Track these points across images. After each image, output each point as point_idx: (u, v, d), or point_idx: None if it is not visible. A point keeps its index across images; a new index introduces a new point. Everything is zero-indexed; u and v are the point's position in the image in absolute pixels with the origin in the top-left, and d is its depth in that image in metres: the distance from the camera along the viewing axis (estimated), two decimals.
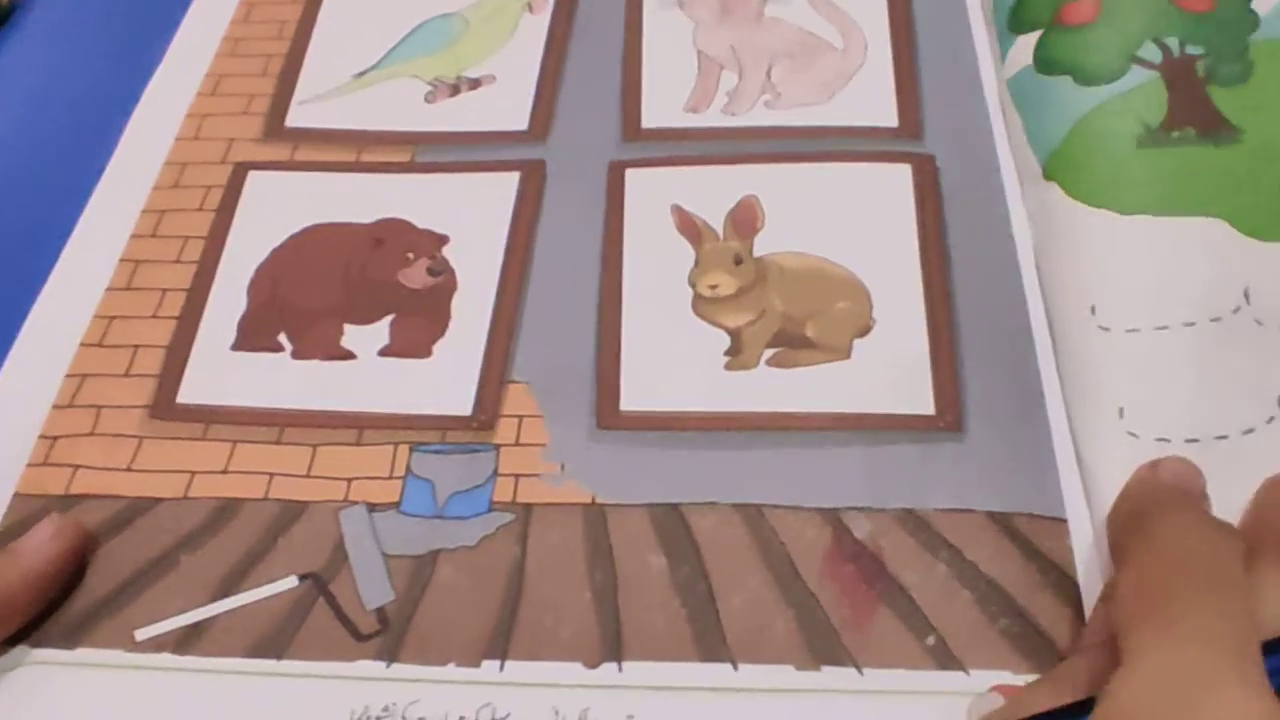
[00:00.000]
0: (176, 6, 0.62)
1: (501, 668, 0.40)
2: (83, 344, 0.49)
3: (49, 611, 0.42)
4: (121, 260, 0.52)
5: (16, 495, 0.45)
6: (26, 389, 0.48)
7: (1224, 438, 0.42)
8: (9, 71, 0.62)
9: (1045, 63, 0.52)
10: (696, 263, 0.49)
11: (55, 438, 0.46)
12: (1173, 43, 0.50)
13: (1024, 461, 0.43)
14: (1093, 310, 0.45)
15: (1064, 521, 0.42)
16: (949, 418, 0.44)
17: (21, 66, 0.62)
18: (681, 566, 0.42)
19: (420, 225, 0.52)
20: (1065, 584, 0.40)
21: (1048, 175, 0.49)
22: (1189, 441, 0.42)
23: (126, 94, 0.58)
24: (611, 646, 0.40)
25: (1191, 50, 0.50)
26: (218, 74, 0.59)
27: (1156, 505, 0.38)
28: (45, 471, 0.46)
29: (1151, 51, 0.50)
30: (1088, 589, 0.40)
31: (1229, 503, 0.39)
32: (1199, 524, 0.36)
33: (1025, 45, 0.53)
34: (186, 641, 0.41)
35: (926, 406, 0.45)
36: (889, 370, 0.46)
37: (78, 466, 0.46)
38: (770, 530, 0.42)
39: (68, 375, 0.48)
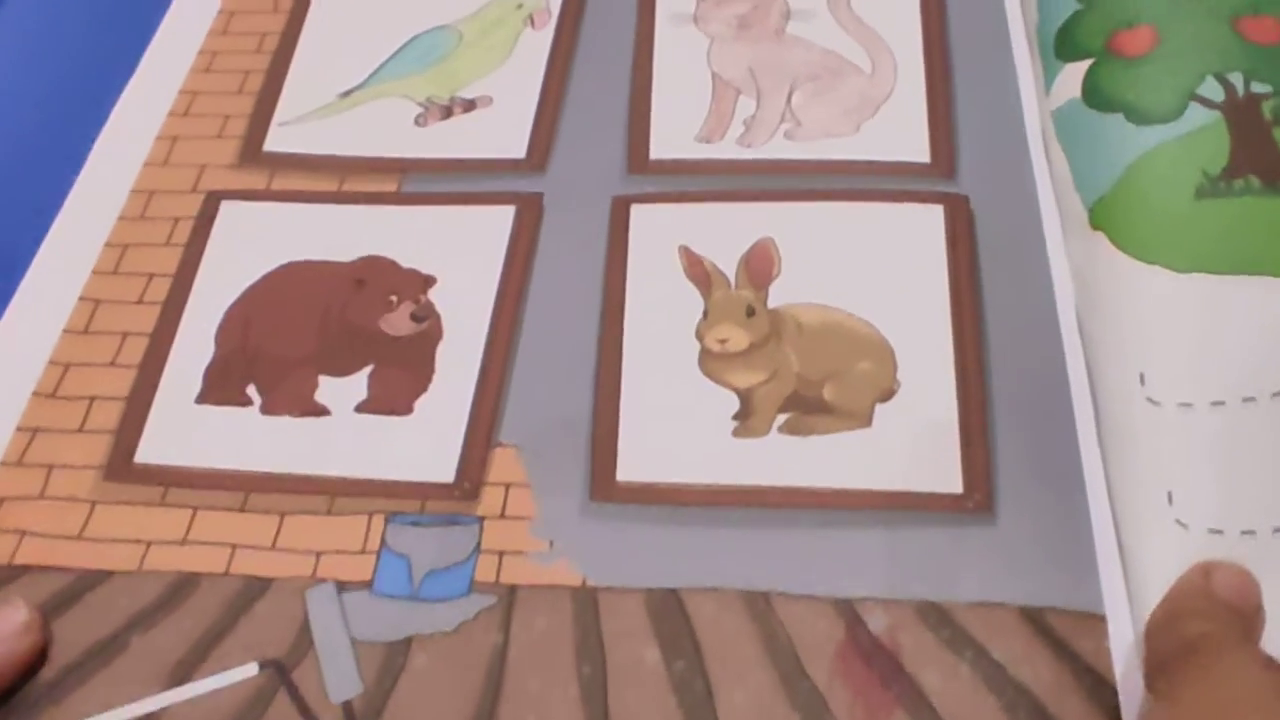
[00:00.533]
0: (151, 16, 0.59)
1: None
2: (35, 393, 0.46)
3: None
4: (80, 299, 0.49)
5: None
6: None
7: None
8: None
9: (1095, 96, 0.47)
10: (705, 313, 0.46)
11: (2, 499, 0.43)
12: (1237, 79, 0.46)
13: (1060, 549, 0.40)
14: (1141, 379, 0.41)
15: (1102, 619, 0.38)
16: (978, 497, 0.41)
17: None
18: (678, 660, 0.38)
19: (405, 264, 0.48)
20: (1102, 690, 0.37)
21: (1094, 224, 0.45)
22: (1244, 534, 0.38)
23: (93, 113, 0.55)
24: None
25: (1258, 88, 0.45)
26: (191, 91, 0.56)
27: (1207, 627, 0.35)
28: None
29: (1213, 89, 0.46)
30: (1127, 696, 0.37)
31: None
32: (1254, 667, 0.33)
33: (1073, 74, 0.49)
34: None
35: (954, 484, 0.41)
36: (913, 441, 0.42)
37: (24, 533, 0.43)
38: (777, 621, 0.39)
39: (18, 428, 0.45)
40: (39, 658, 0.40)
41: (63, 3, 0.62)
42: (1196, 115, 0.45)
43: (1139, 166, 0.45)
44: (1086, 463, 0.42)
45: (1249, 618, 0.36)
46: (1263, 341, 0.41)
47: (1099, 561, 0.40)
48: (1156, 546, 0.39)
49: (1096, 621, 0.38)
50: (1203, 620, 0.35)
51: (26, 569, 0.42)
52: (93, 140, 0.54)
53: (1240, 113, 0.45)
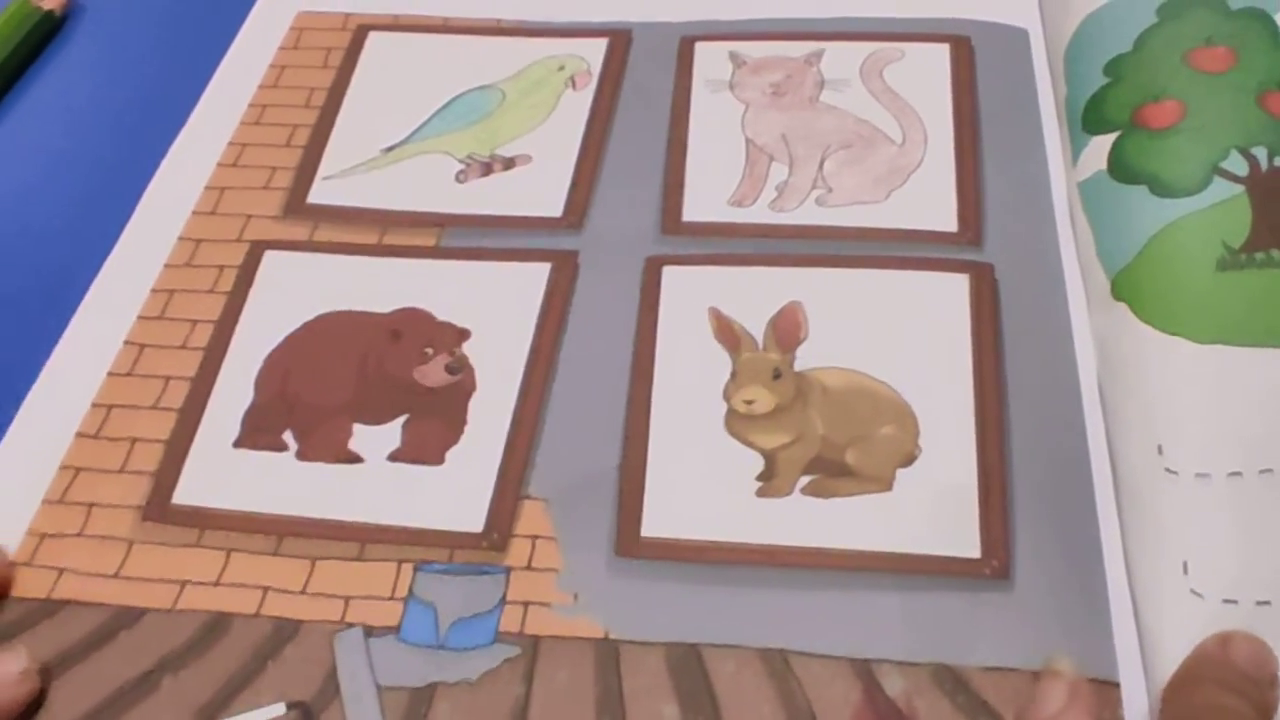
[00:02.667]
0: (204, 69, 0.60)
1: None
2: (79, 434, 0.47)
3: None
4: (126, 343, 0.50)
5: None
6: (19, 479, 0.46)
7: None
8: (22, 132, 0.60)
9: (1121, 168, 0.48)
10: (733, 374, 0.46)
11: (43, 535, 0.44)
12: (1261, 154, 0.46)
13: (1076, 616, 0.40)
14: (1160, 450, 0.41)
15: (1116, 686, 0.38)
16: (995, 563, 0.41)
17: (39, 124, 0.60)
18: (696, 717, 0.38)
19: (441, 317, 0.49)
20: None
21: (1116, 294, 0.45)
22: (1260, 604, 0.38)
23: (145, 160, 0.56)
24: None
25: None
26: (241, 143, 0.57)
27: (1223, 698, 0.35)
28: (30, 573, 0.43)
29: (1237, 163, 0.46)
30: None
31: None
32: None
33: (1100, 147, 0.49)
34: None
35: (972, 549, 0.41)
36: (933, 505, 0.43)
37: (63, 569, 0.43)
38: (795, 681, 0.39)
39: (61, 467, 0.46)
40: (27, 707, 0.40)
41: (121, 54, 0.63)
42: (1220, 189, 0.46)
43: (1162, 238, 0.46)
44: (1104, 530, 0.42)
45: (1265, 688, 0.36)
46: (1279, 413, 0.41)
47: (1114, 629, 0.40)
48: (1172, 616, 0.39)
49: (1111, 689, 0.38)
50: (1218, 689, 0.35)
51: (64, 604, 0.42)
52: (143, 188, 0.55)
53: (1263, 186, 0.46)
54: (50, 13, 0.64)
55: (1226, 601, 0.38)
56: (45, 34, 0.64)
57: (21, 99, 0.61)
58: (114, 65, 0.63)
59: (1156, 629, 0.39)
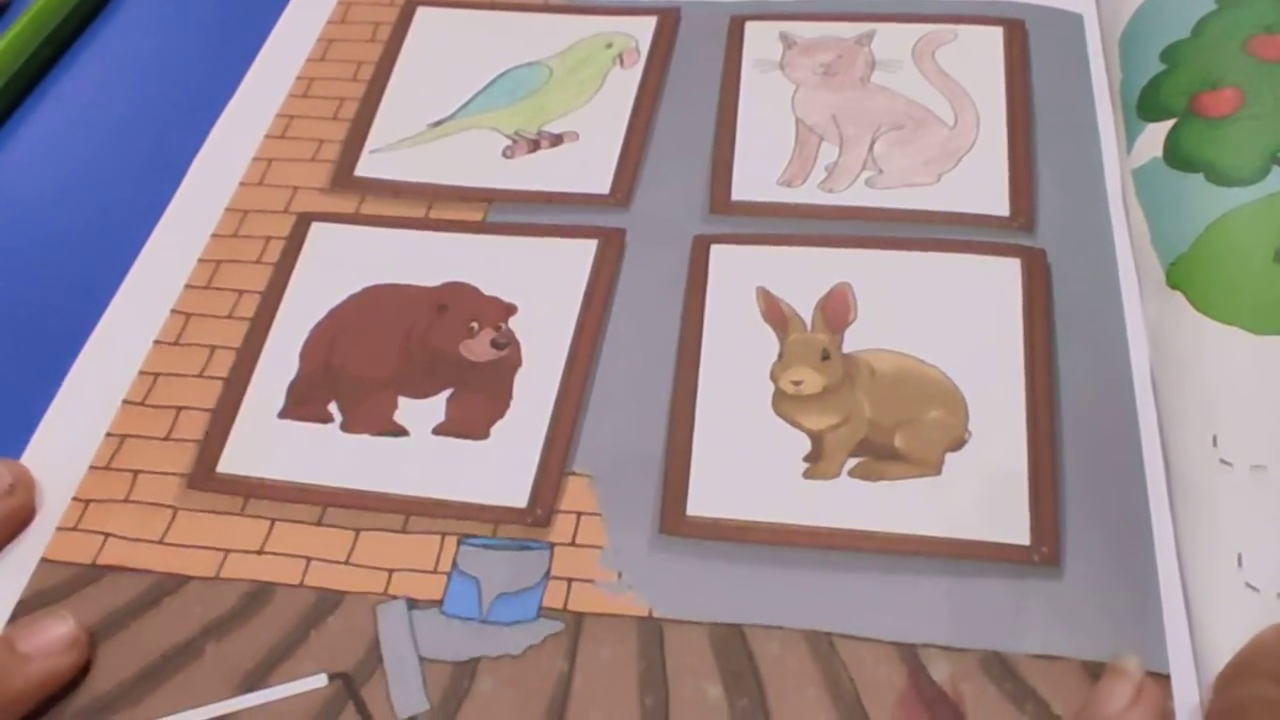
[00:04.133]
0: (253, 41, 0.60)
1: None
2: (126, 401, 0.47)
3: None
4: (173, 312, 0.50)
5: (44, 561, 0.43)
6: (66, 445, 0.46)
7: None
8: (73, 100, 0.60)
9: (1176, 156, 0.48)
10: (780, 355, 0.46)
11: (89, 501, 0.44)
12: None
13: (1125, 606, 0.39)
14: (1214, 441, 0.41)
15: (1167, 678, 0.38)
16: (1045, 550, 0.40)
17: (85, 95, 0.60)
18: (740, 699, 0.38)
19: (487, 292, 0.49)
20: None
21: (1171, 283, 0.45)
22: None
23: (194, 131, 0.56)
24: None
25: None
26: (288, 115, 0.57)
27: (1275, 688, 0.34)
28: (75, 538, 0.43)
29: None
30: None
31: None
32: None
33: (1156, 134, 0.49)
34: None
35: (1021, 535, 0.41)
36: (982, 491, 0.42)
37: (108, 535, 0.43)
38: (840, 663, 0.39)
39: (108, 434, 0.46)
40: (75, 675, 0.40)
41: (169, 24, 0.63)
42: (1278, 178, 0.45)
43: (1218, 227, 0.45)
44: (1155, 520, 0.41)
45: None
46: None
47: (1165, 620, 0.39)
48: (1225, 609, 0.38)
49: (1161, 681, 0.37)
50: (1273, 683, 0.35)
51: (109, 569, 0.42)
52: (192, 157, 0.55)
53: None
54: None
55: None
56: None
57: (70, 68, 0.61)
58: (165, 35, 0.63)
59: (1208, 622, 0.38)
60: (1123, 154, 0.51)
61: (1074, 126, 0.53)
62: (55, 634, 0.40)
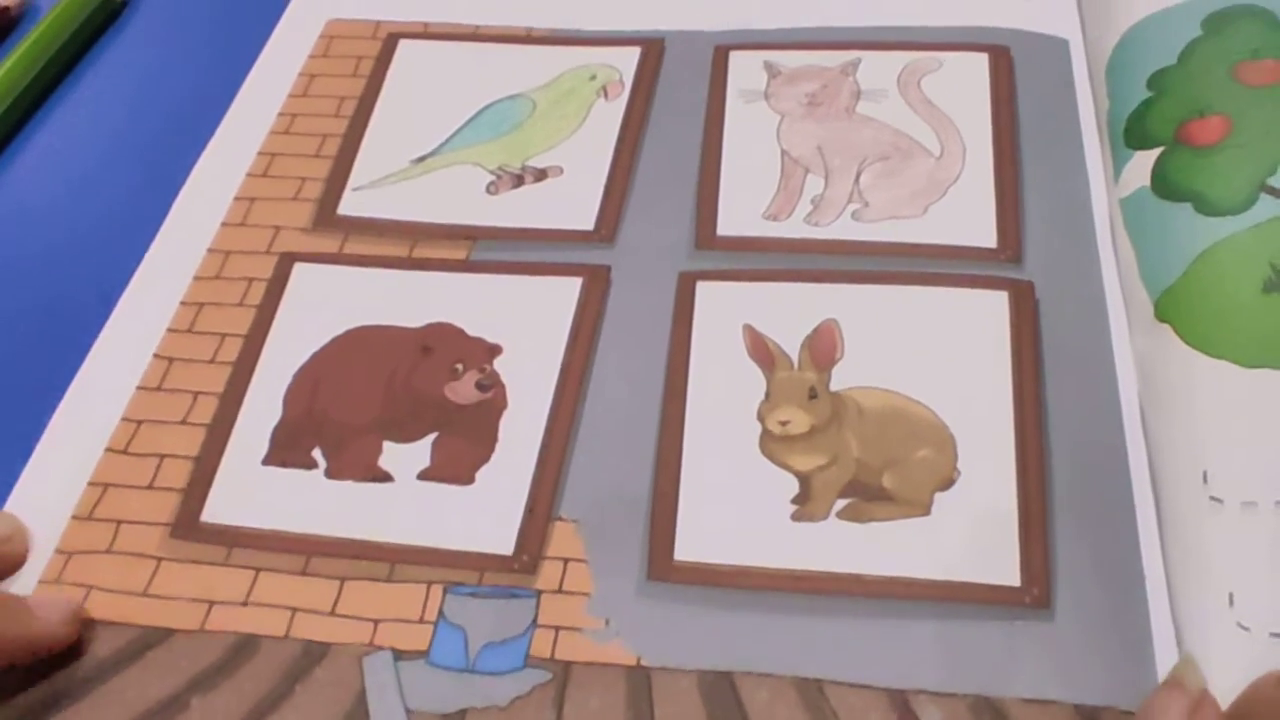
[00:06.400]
0: (233, 77, 0.60)
1: None
2: (108, 449, 0.47)
3: None
4: (155, 356, 0.49)
5: None
6: (48, 495, 0.46)
7: None
8: (56, 143, 0.60)
9: (1164, 186, 0.47)
10: (767, 394, 0.46)
11: (71, 553, 0.44)
12: None
13: (1117, 647, 0.39)
14: (1205, 477, 0.40)
15: None
16: (1035, 592, 0.40)
17: (67, 136, 0.60)
18: None
19: (472, 332, 0.49)
20: None
21: (1160, 315, 0.44)
22: None
23: (174, 171, 0.56)
24: None
25: None
26: (270, 153, 0.57)
27: None
28: (58, 591, 0.43)
29: None
30: None
31: None
32: None
33: (1143, 163, 0.49)
34: None
35: (1011, 577, 0.41)
36: (972, 531, 0.42)
37: (91, 587, 0.43)
38: (830, 711, 0.38)
39: (90, 483, 0.46)
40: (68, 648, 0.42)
41: (147, 64, 0.63)
42: (1266, 207, 0.45)
43: (1207, 258, 0.45)
44: (1146, 559, 0.41)
45: None
46: None
47: (1157, 661, 0.38)
48: (1217, 650, 0.38)
49: None
50: None
51: (93, 622, 0.42)
52: (173, 198, 0.55)
53: None
54: None
55: (1274, 636, 0.37)
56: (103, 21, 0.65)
57: (49, 115, 0.61)
58: (143, 72, 0.63)
59: (1201, 663, 0.37)
60: (1110, 183, 0.50)
61: (1061, 155, 0.52)
62: (58, 609, 0.41)
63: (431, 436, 0.46)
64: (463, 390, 0.47)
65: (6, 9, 0.65)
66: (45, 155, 0.59)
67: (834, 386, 0.46)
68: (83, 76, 0.63)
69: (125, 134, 0.59)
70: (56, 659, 0.41)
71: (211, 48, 0.63)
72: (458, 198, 0.54)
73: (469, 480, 0.45)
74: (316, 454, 0.46)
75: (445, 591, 0.42)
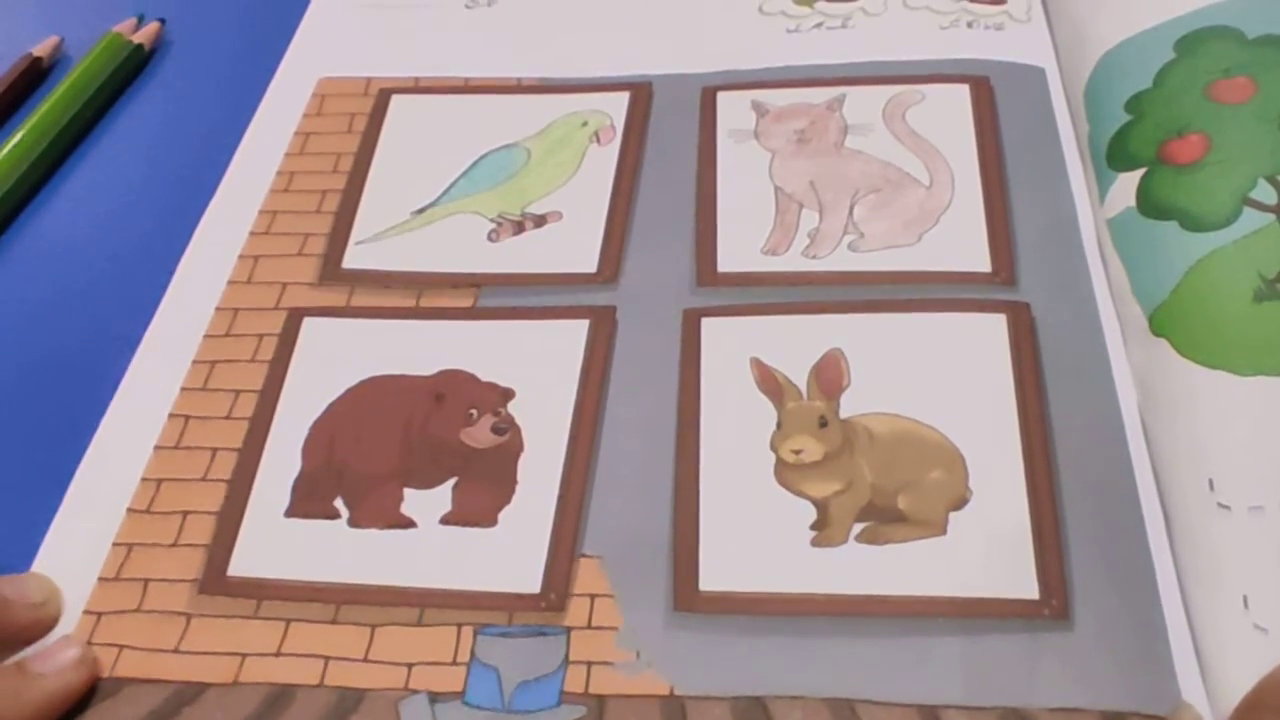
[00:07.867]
0: (230, 138, 0.61)
1: None
2: (130, 509, 0.47)
3: None
4: (171, 416, 0.50)
5: None
6: (74, 558, 0.46)
7: None
8: (61, 209, 0.60)
9: (1149, 205, 0.49)
10: (779, 424, 0.47)
11: (100, 613, 0.44)
12: None
13: (1137, 653, 0.40)
14: (1210, 485, 0.41)
15: None
16: (1055, 603, 0.41)
17: (72, 204, 0.60)
18: None
19: (484, 378, 0.49)
20: None
21: (1155, 330, 0.46)
22: None
23: (179, 231, 0.56)
24: None
25: None
26: (272, 210, 0.57)
27: None
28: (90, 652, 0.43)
29: (1266, 191, 0.47)
30: None
31: None
32: None
33: (1127, 184, 0.50)
34: None
35: (1030, 590, 0.41)
36: (988, 548, 0.43)
37: (123, 646, 0.43)
38: None
39: (115, 544, 0.46)
40: (84, 694, 0.42)
41: (146, 128, 0.64)
42: (1250, 219, 0.46)
43: (1196, 273, 0.46)
44: (1159, 566, 0.42)
45: None
46: None
47: (1176, 665, 0.39)
48: (1234, 651, 0.39)
49: None
50: None
51: (126, 682, 0.42)
52: (178, 259, 0.55)
53: None
54: (139, 47, 0.66)
55: None
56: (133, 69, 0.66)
57: (54, 187, 0.61)
58: (142, 137, 0.63)
59: (1220, 666, 0.39)
60: (1096, 204, 0.52)
61: (1046, 179, 0.54)
62: (65, 655, 0.42)
63: (451, 481, 0.47)
64: (479, 435, 0.48)
65: (39, 59, 0.66)
66: (53, 221, 0.60)
67: (843, 414, 0.46)
68: (102, 136, 0.63)
69: (132, 199, 0.60)
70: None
71: (207, 109, 0.64)
72: (460, 246, 0.55)
73: (491, 522, 0.45)
74: (338, 504, 0.46)
75: (476, 633, 0.42)
